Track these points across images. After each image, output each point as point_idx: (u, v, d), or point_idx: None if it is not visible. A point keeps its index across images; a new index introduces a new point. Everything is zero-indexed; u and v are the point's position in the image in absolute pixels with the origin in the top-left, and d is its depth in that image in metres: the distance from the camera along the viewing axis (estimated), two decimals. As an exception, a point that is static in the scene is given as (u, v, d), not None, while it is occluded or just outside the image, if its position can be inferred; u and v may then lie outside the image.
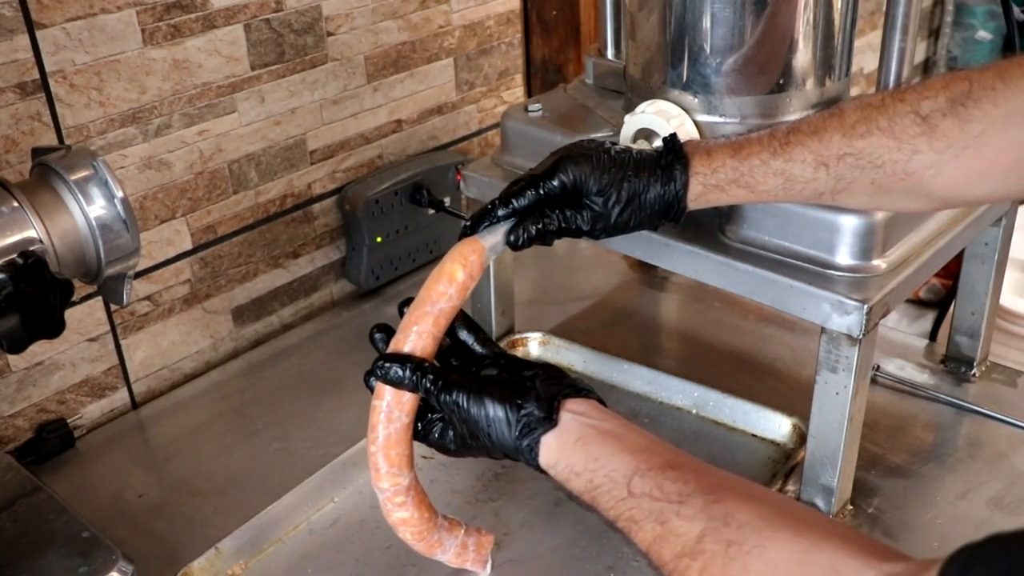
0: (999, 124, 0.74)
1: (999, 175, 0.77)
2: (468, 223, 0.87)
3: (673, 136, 0.88)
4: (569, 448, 0.75)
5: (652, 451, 0.73)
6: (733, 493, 0.66)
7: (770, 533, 0.62)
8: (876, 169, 0.79)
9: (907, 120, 0.77)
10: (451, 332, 0.84)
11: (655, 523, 0.67)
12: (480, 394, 0.77)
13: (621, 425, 0.76)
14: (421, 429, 0.82)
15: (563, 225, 0.86)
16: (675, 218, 0.87)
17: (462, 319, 0.85)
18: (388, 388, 0.79)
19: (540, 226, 0.85)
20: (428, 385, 0.78)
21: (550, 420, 0.76)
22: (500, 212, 0.86)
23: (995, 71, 0.74)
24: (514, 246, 0.85)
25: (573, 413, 0.76)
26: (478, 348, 0.84)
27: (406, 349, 0.80)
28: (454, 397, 0.78)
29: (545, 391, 0.77)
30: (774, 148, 0.82)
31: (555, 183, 0.86)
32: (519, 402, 0.76)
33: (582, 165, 0.86)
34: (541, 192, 0.86)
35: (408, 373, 0.78)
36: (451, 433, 0.80)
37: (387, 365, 0.78)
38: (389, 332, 0.83)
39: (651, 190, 0.85)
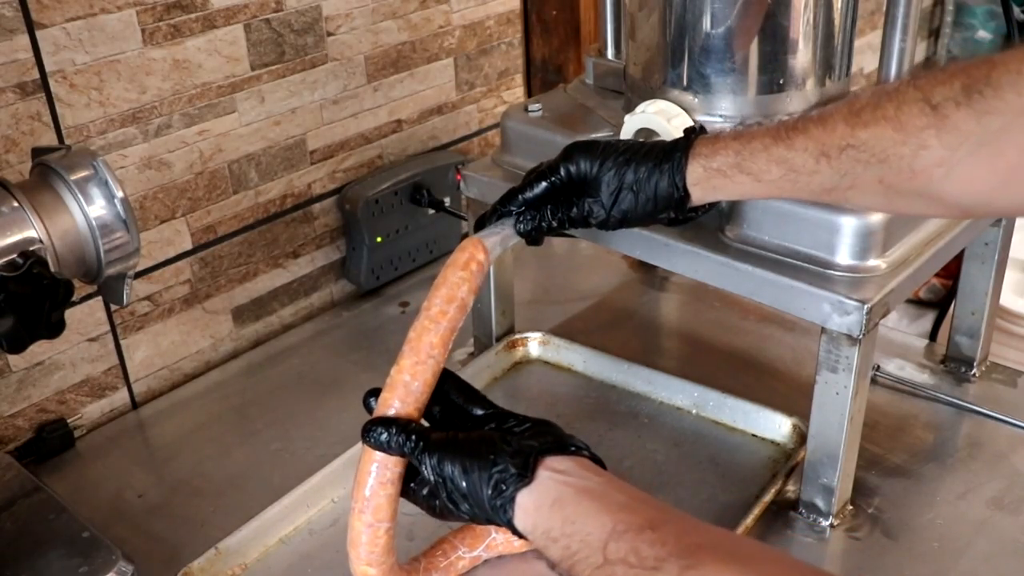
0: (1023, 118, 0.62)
1: None
2: (482, 216, 0.88)
3: (691, 128, 0.86)
4: (545, 511, 0.69)
5: (631, 509, 0.66)
6: (714, 555, 0.61)
7: None
8: (881, 164, 0.71)
9: (915, 108, 0.67)
10: (444, 398, 0.80)
11: None
12: (456, 451, 0.73)
13: (604, 483, 0.70)
14: (412, 488, 0.77)
15: (571, 214, 0.86)
16: (679, 204, 0.84)
17: (453, 382, 0.81)
18: (376, 454, 0.76)
19: (548, 216, 0.85)
20: (411, 446, 0.74)
21: (523, 476, 0.70)
22: (510, 206, 0.87)
23: (1023, 54, 0.62)
24: (526, 237, 0.86)
25: (552, 471, 0.70)
26: (473, 409, 0.79)
27: (394, 407, 0.77)
28: (432, 456, 0.73)
29: (522, 446, 0.71)
30: (778, 134, 0.77)
31: (562, 172, 0.86)
32: (492, 457, 0.71)
33: (589, 155, 0.86)
34: (549, 183, 0.86)
35: (393, 436, 0.74)
36: (435, 496, 0.75)
37: (373, 429, 0.75)
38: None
39: (654, 175, 0.84)
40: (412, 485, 0.77)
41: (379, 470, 0.76)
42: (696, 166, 0.82)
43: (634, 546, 0.63)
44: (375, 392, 0.80)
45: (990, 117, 0.63)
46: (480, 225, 0.88)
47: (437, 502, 0.75)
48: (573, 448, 0.73)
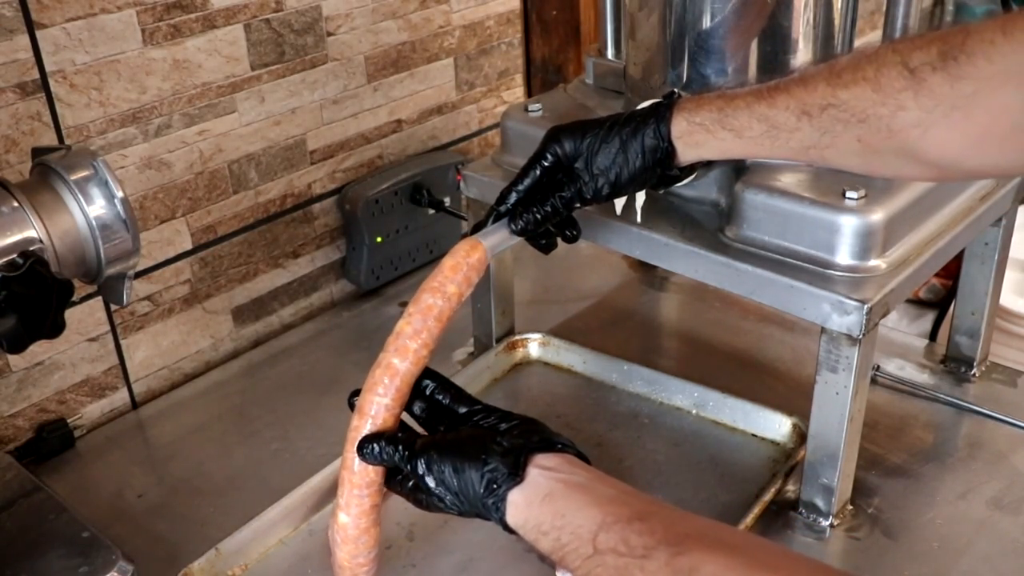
0: (994, 84, 0.66)
1: (995, 143, 0.68)
2: (479, 221, 0.88)
3: (671, 92, 0.89)
4: (536, 506, 0.70)
5: (621, 502, 0.69)
6: (702, 543, 0.62)
7: None
8: (860, 124, 0.73)
9: (893, 72, 0.70)
10: (428, 397, 0.82)
11: None
12: (445, 452, 0.75)
13: (592, 477, 0.72)
14: (399, 481, 0.80)
15: (563, 194, 0.86)
16: (664, 159, 0.86)
17: (438, 382, 0.82)
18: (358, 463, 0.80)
19: (540, 207, 0.85)
20: (397, 458, 0.77)
21: (515, 476, 0.71)
22: (506, 203, 0.87)
23: (998, 23, 0.65)
24: (520, 233, 0.86)
25: (541, 468, 0.72)
26: (458, 407, 0.81)
27: (371, 411, 0.80)
28: (419, 459, 0.75)
29: (512, 445, 0.73)
30: (760, 93, 0.80)
31: (549, 156, 0.87)
32: (484, 457, 0.73)
33: (572, 132, 0.87)
34: (538, 168, 0.87)
35: (383, 449, 0.77)
36: (421, 491, 0.77)
37: (366, 446, 0.78)
38: None
39: (640, 131, 0.86)
40: (399, 478, 0.80)
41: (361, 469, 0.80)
42: (680, 120, 0.85)
43: (623, 536, 0.65)
44: (358, 392, 0.83)
45: (963, 82, 0.66)
46: (477, 230, 0.88)
47: (423, 496, 0.77)
48: (559, 445, 0.75)
